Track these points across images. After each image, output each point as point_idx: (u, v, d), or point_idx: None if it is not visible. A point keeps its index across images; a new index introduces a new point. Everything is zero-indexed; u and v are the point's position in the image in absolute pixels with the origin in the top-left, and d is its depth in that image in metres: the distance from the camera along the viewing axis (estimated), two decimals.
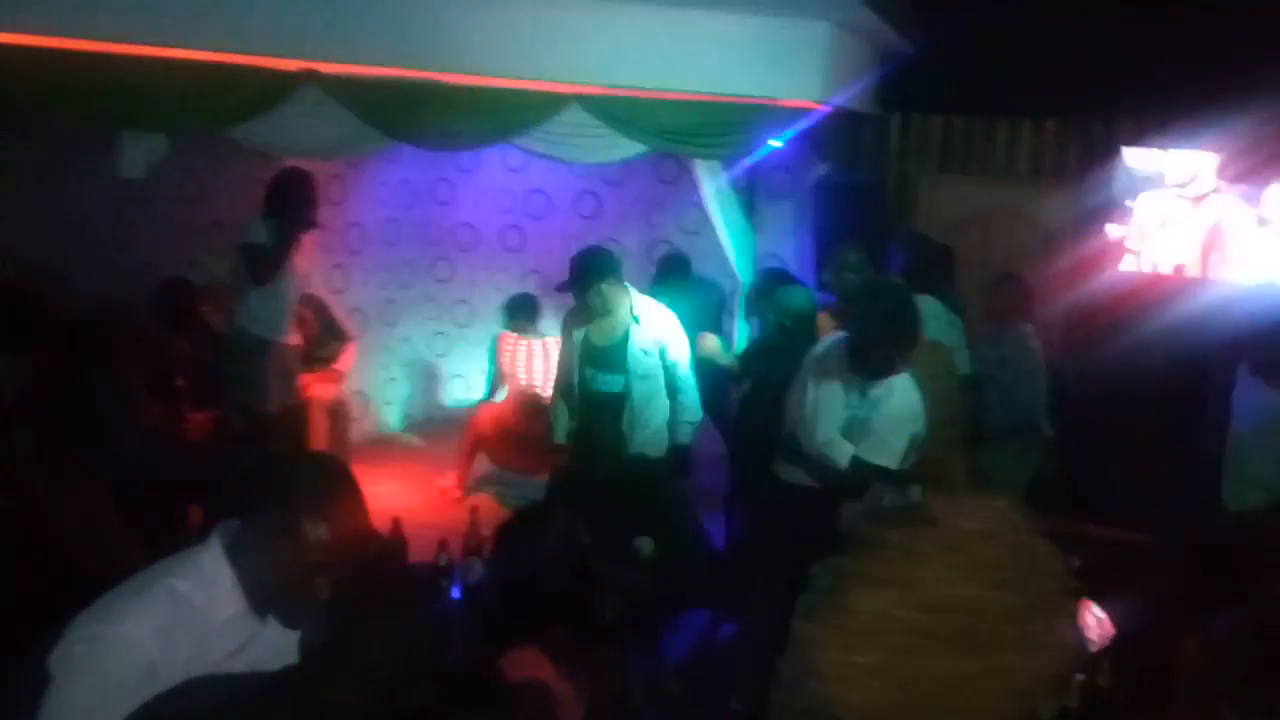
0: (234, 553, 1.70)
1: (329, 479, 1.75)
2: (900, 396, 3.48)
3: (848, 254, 4.84)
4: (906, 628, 0.92)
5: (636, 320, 4.22)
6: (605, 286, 4.16)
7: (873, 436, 3.47)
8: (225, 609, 1.68)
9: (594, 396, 4.30)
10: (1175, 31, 5.11)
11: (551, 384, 5.49)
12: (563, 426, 4.47)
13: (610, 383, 4.25)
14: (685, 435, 4.32)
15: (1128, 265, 5.55)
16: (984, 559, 0.94)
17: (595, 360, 4.28)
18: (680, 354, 4.25)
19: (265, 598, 1.71)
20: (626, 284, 4.34)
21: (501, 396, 5.67)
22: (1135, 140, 5.50)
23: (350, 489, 1.76)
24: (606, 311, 4.20)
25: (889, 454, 3.45)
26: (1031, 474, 4.66)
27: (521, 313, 5.52)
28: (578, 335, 4.34)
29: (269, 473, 1.83)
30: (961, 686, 0.91)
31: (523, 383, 5.55)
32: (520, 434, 5.53)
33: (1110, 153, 5.51)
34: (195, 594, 1.66)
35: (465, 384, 7.22)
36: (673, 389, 4.25)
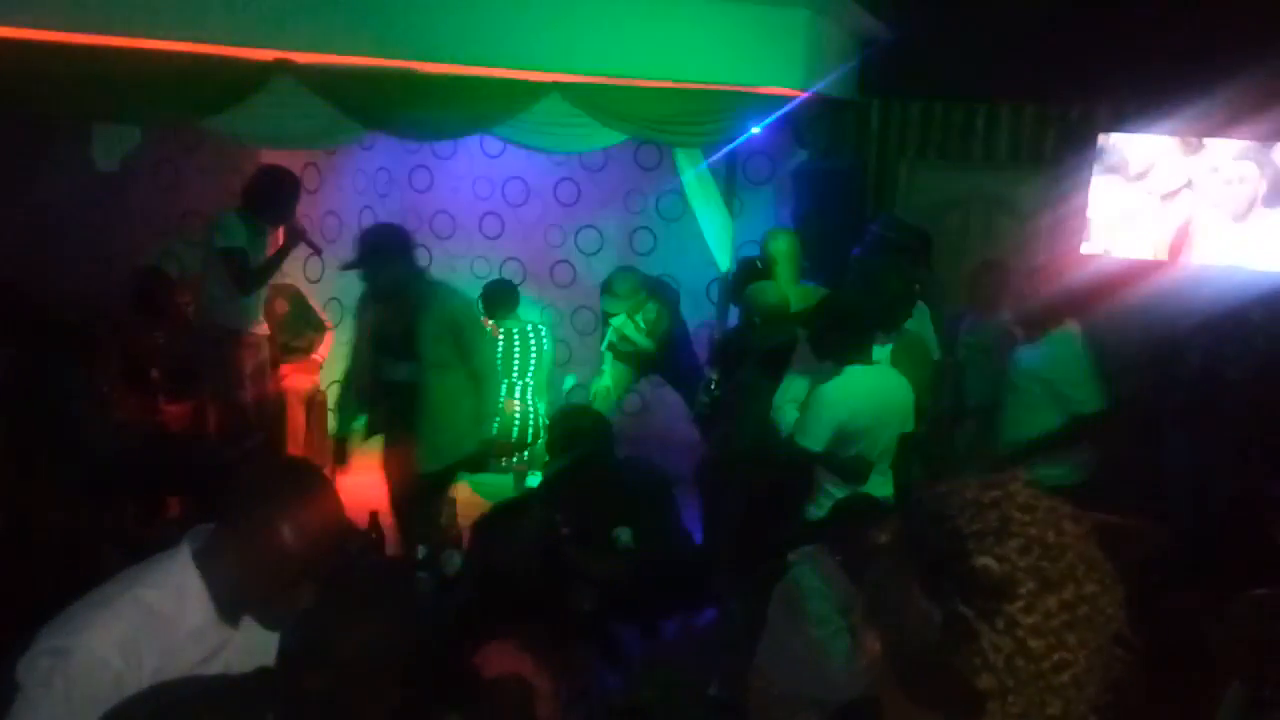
0: (202, 560, 1.67)
1: (302, 485, 1.71)
2: (838, 385, 3.55)
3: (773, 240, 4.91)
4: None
5: (429, 303, 3.90)
6: (394, 266, 3.87)
7: (800, 416, 3.62)
8: (194, 617, 1.65)
9: (384, 386, 4.05)
10: (1154, 16, 5.12)
11: (527, 373, 5.50)
12: (346, 418, 4.24)
13: (400, 371, 3.97)
14: (487, 431, 4.05)
15: (1098, 250, 5.57)
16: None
17: (385, 346, 4.01)
18: (476, 340, 3.98)
19: (235, 605, 1.68)
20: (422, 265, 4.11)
21: None
22: (1113, 125, 5.52)
23: (325, 494, 1.72)
24: (395, 293, 3.90)
25: (807, 436, 3.54)
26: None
27: (498, 299, 5.49)
28: (367, 319, 4.07)
29: (239, 479, 1.78)
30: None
31: (501, 369, 5.52)
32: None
33: (1088, 138, 5.53)
34: (162, 602, 1.63)
35: None
36: (473, 380, 3.95)
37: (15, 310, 4.58)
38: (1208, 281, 5.20)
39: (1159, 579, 3.59)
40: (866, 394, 3.58)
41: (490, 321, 5.51)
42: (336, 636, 1.53)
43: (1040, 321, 4.08)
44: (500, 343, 5.50)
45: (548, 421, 5.47)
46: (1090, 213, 5.57)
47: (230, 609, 1.68)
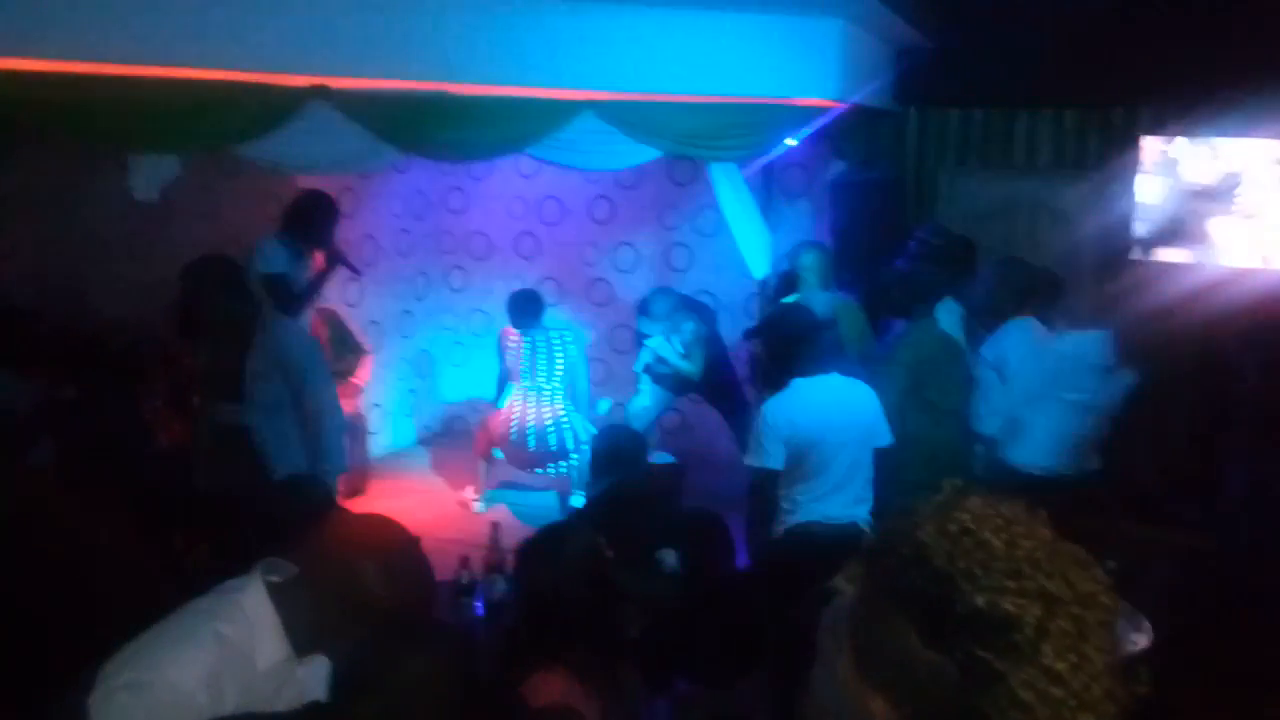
0: (281, 599, 1.63)
1: (389, 535, 1.71)
2: (778, 399, 3.59)
3: (801, 254, 4.88)
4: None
5: (261, 338, 3.60)
6: (218, 299, 3.63)
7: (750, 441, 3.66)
8: (270, 654, 1.61)
9: (214, 429, 3.77)
10: (1197, 17, 5.01)
11: (553, 378, 5.47)
12: None
13: (230, 414, 3.69)
14: (330, 477, 3.60)
15: (1149, 255, 5.44)
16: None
17: (215, 387, 3.76)
18: (310, 379, 3.60)
19: (312, 645, 1.64)
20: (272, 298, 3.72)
21: (509, 394, 5.61)
22: (1157, 129, 5.39)
23: (411, 544, 1.73)
24: (227, 329, 3.66)
25: (759, 456, 3.56)
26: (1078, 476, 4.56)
27: (524, 308, 5.46)
28: (202, 358, 3.81)
29: (333, 528, 1.77)
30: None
31: (525, 379, 5.48)
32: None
33: (1132, 141, 5.41)
34: (240, 639, 1.59)
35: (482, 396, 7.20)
36: (305, 423, 3.58)
37: (55, 338, 4.62)
38: (1254, 283, 5.07)
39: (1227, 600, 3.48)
40: (810, 405, 3.55)
41: (516, 330, 5.48)
42: (389, 668, 1.49)
43: (996, 310, 4.18)
44: (525, 350, 5.47)
45: (581, 434, 5.46)
46: (1136, 217, 5.45)
47: (306, 648, 1.64)
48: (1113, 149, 5.52)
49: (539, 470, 5.60)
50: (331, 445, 3.54)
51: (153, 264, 6.13)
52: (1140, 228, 5.45)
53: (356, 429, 5.78)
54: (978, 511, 0.94)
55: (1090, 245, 5.65)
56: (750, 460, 3.60)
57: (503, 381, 5.64)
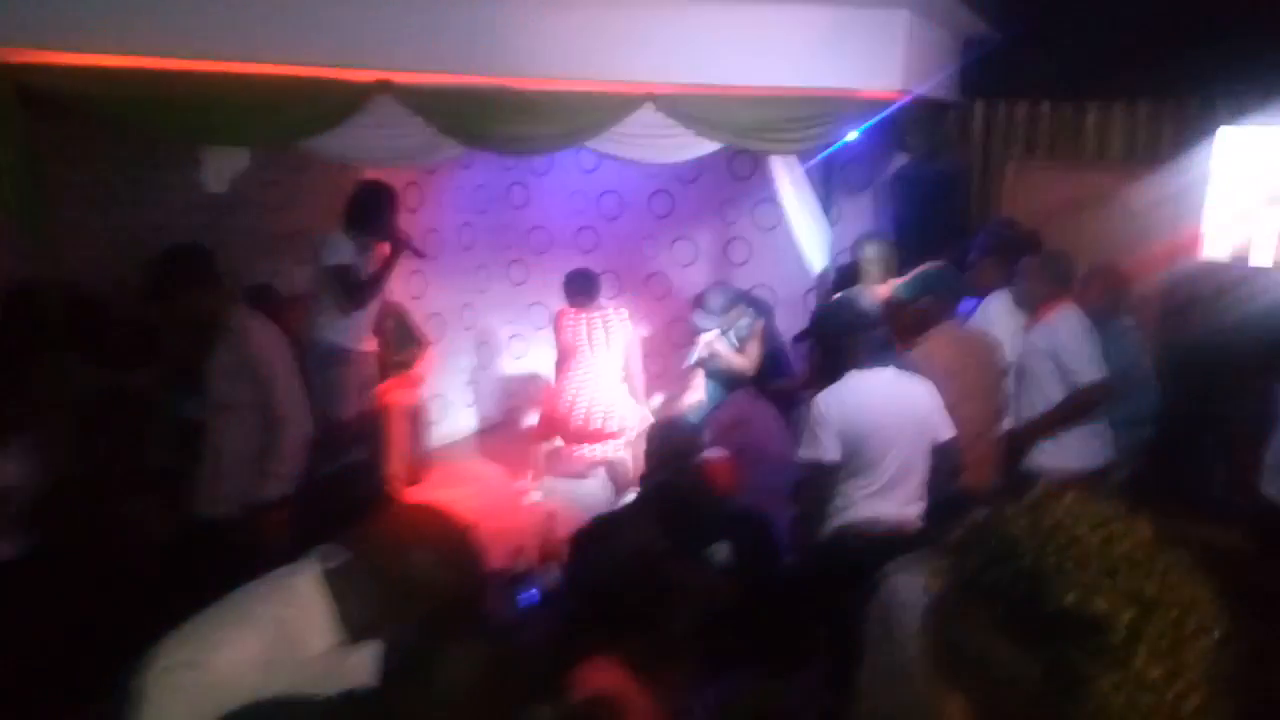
0: (335, 585, 1.66)
1: (447, 527, 1.72)
2: (831, 391, 3.56)
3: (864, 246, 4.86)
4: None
5: (230, 335, 3.46)
6: (193, 291, 3.48)
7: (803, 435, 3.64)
8: (321, 640, 1.63)
9: (174, 424, 3.69)
10: (1274, 4, 4.83)
11: (610, 359, 5.47)
12: None
13: (192, 409, 3.57)
14: (274, 489, 3.46)
15: (1221, 252, 5.27)
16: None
17: (178, 381, 3.66)
18: (281, 384, 3.45)
19: (365, 633, 1.66)
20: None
21: (566, 374, 5.63)
22: (1235, 120, 5.22)
23: (467, 537, 1.73)
24: (198, 322, 3.51)
25: (815, 449, 3.52)
26: (1128, 478, 4.46)
27: (582, 287, 5.50)
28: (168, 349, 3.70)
29: (388, 517, 1.79)
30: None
31: (585, 357, 5.50)
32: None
33: (1208, 132, 5.24)
34: (293, 623, 1.62)
35: (544, 385, 7.25)
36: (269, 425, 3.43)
37: (127, 329, 4.76)
38: None
39: None
40: (864, 397, 3.51)
41: (573, 309, 5.53)
42: (434, 656, 1.51)
43: (1043, 300, 4.15)
44: (582, 329, 5.51)
45: (631, 416, 5.47)
46: (1211, 212, 5.28)
47: (357, 636, 1.66)
48: (1188, 141, 5.36)
49: (592, 448, 5.64)
50: (289, 453, 3.43)
51: (221, 255, 6.28)
52: (1214, 223, 5.28)
53: (418, 418, 5.87)
54: (1072, 507, 0.91)
55: (1162, 240, 5.50)
56: (804, 453, 3.54)
57: (560, 362, 5.66)
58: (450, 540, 1.68)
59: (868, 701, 3.28)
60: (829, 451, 3.49)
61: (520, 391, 7.36)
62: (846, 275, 5.07)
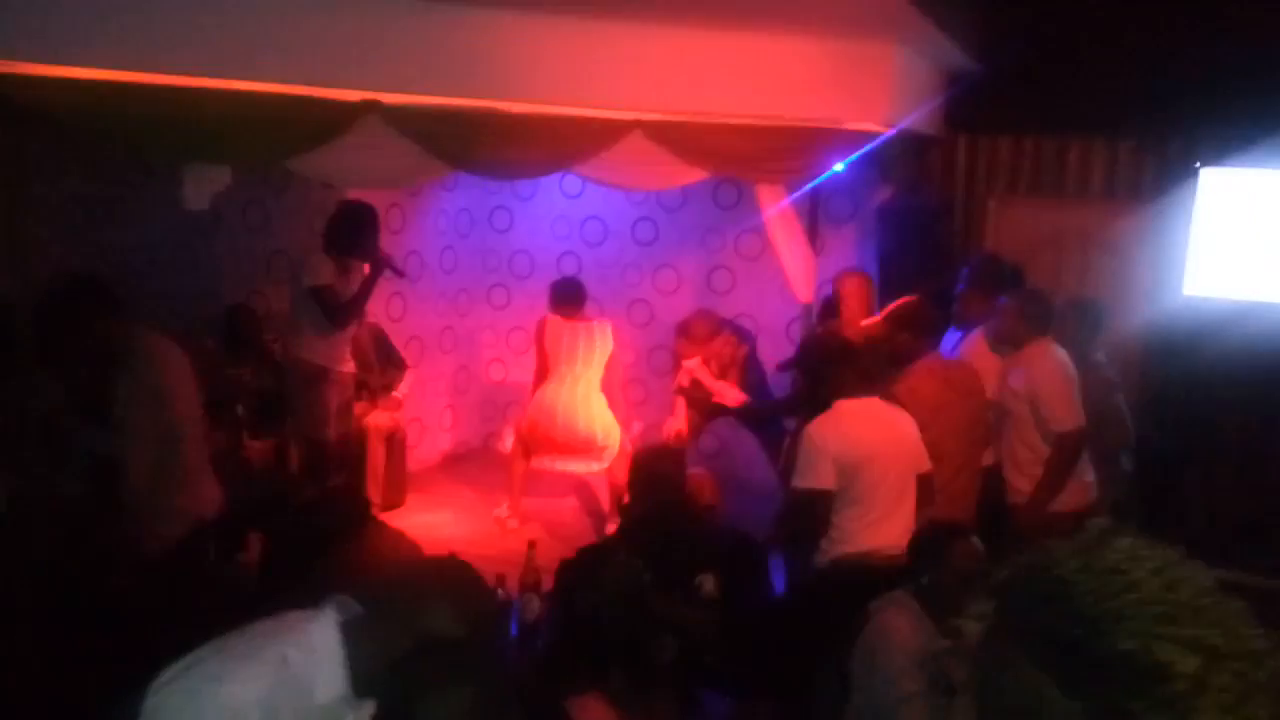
0: (350, 637, 1.61)
1: (462, 578, 1.69)
2: (826, 419, 3.57)
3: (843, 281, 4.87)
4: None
5: (133, 361, 3.37)
6: (96, 320, 3.36)
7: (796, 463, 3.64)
8: (328, 691, 1.57)
9: (83, 458, 3.50)
10: (1258, 47, 4.90)
11: (592, 368, 5.42)
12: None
13: (101, 441, 3.44)
14: (180, 521, 3.36)
15: (1206, 290, 5.31)
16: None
17: (80, 413, 3.49)
18: (184, 408, 3.37)
19: (369, 684, 1.61)
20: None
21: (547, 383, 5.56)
22: (1216, 160, 5.28)
23: (482, 588, 1.70)
24: (96, 351, 3.40)
25: (810, 477, 3.51)
26: (1108, 509, 4.45)
27: (566, 296, 5.43)
28: (66, 382, 3.50)
29: (404, 570, 1.76)
30: None
31: (567, 367, 5.43)
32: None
33: (1189, 171, 5.30)
34: (302, 666, 1.56)
35: (523, 411, 7.19)
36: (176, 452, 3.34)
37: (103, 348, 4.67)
38: None
39: None
40: (856, 426, 3.51)
41: (558, 318, 5.46)
42: (431, 697, 1.45)
43: (1021, 340, 4.06)
44: (566, 337, 5.42)
45: (613, 430, 5.42)
46: (1192, 250, 5.33)
47: (363, 689, 1.61)
48: (1169, 180, 5.42)
49: (570, 462, 5.58)
50: (191, 479, 3.38)
51: (199, 276, 6.21)
52: (1195, 261, 5.33)
53: (396, 441, 5.79)
54: (1130, 550, 0.87)
55: (1143, 278, 5.54)
56: (800, 482, 3.51)
57: (539, 372, 5.59)
58: (472, 596, 1.65)
59: None
60: (825, 479, 3.46)
61: (499, 416, 7.29)
62: (829, 308, 5.07)
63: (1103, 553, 0.86)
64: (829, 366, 3.68)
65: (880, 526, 3.48)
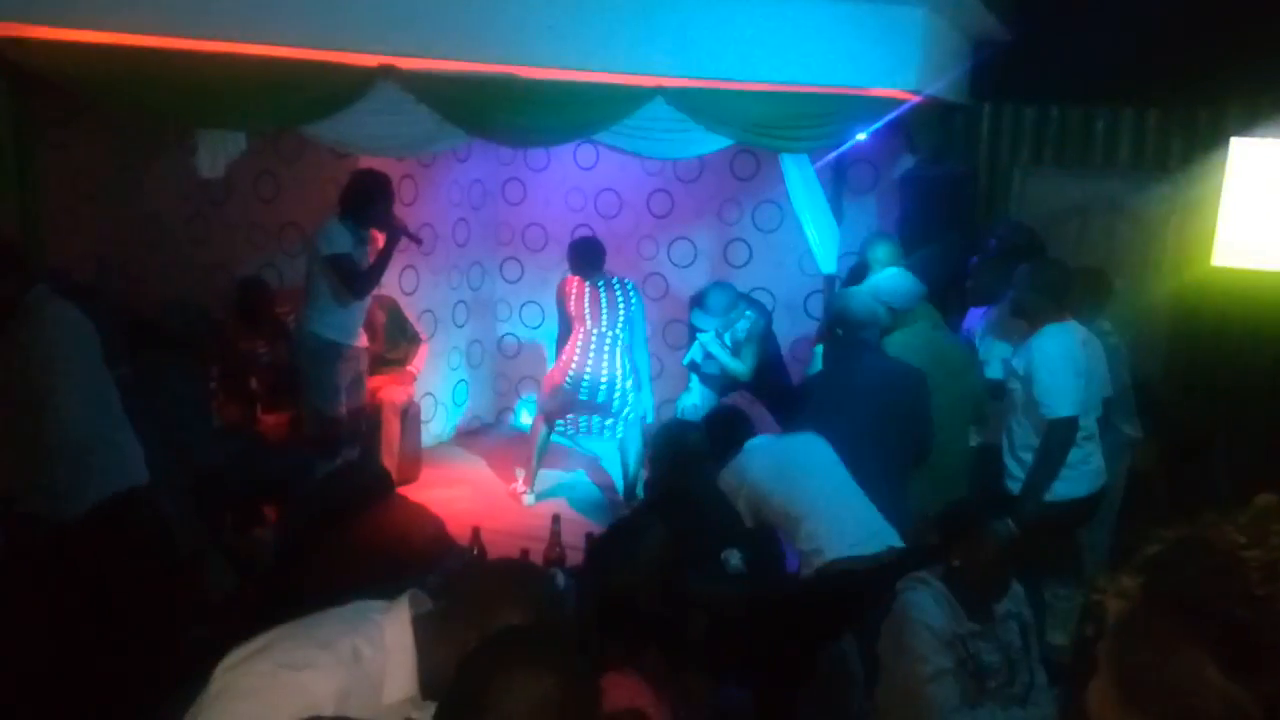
0: (422, 634, 1.55)
1: (542, 589, 1.68)
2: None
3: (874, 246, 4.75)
4: None
5: (29, 324, 3.19)
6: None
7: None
8: (397, 689, 1.52)
9: None
10: None
11: (616, 326, 5.33)
12: None
13: None
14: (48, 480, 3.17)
15: (1235, 260, 5.21)
16: None
17: None
18: (71, 379, 3.18)
19: (437, 687, 1.54)
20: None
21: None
22: (1246, 129, 5.17)
23: (556, 596, 1.74)
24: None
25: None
26: (1122, 478, 4.39)
27: (588, 255, 5.31)
28: None
29: (476, 572, 1.72)
30: None
31: (588, 327, 5.34)
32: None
33: (1219, 142, 5.19)
34: (375, 664, 1.51)
35: (536, 386, 7.13)
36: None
37: (119, 319, 4.61)
38: None
39: None
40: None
41: (578, 278, 5.35)
42: (497, 686, 1.38)
43: (1033, 313, 3.86)
44: (587, 297, 5.32)
45: (630, 395, 5.37)
46: (1222, 222, 5.22)
47: (434, 692, 1.54)
48: (1197, 150, 5.31)
49: (585, 425, 5.50)
50: (82, 450, 3.17)
51: (211, 246, 6.15)
52: (1224, 232, 5.23)
53: (410, 416, 5.73)
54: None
55: (1170, 250, 5.45)
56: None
57: (562, 334, 5.50)
58: (540, 594, 1.60)
59: (882, 716, 3.20)
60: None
61: (512, 391, 7.23)
62: (856, 276, 4.98)
63: (1273, 528, 0.79)
64: (860, 329, 3.69)
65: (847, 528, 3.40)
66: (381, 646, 1.51)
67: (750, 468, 3.50)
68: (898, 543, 3.44)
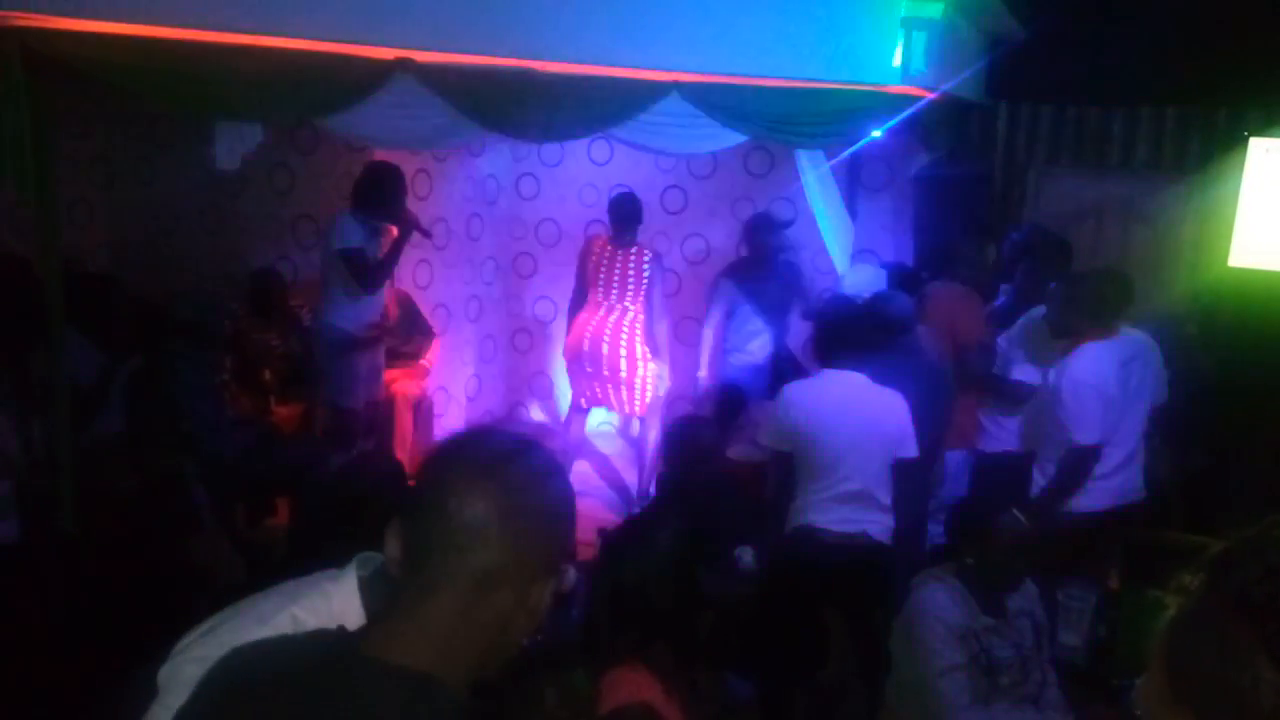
0: (372, 593, 1.52)
1: None
2: (791, 387, 3.69)
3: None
4: None
5: None
6: None
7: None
8: None
9: None
10: None
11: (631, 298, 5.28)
12: None
13: None
14: None
15: (1248, 262, 5.17)
16: None
17: None
18: None
19: None
20: None
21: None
22: (1264, 130, 5.13)
23: None
24: None
25: (763, 431, 3.72)
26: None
27: (630, 212, 5.22)
28: None
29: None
30: None
31: (602, 292, 5.33)
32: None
33: (1238, 142, 5.15)
34: (314, 627, 1.50)
35: (548, 381, 7.13)
36: None
37: (129, 306, 4.63)
38: None
39: None
40: (829, 398, 3.53)
41: (606, 239, 5.32)
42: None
43: (1068, 330, 3.81)
44: (610, 261, 5.29)
45: (643, 366, 5.36)
46: (1240, 223, 5.19)
47: None
48: (1215, 151, 5.28)
49: (597, 395, 5.49)
50: None
51: (225, 237, 6.17)
52: (1242, 232, 5.19)
53: (423, 410, 5.74)
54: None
55: (1187, 251, 5.42)
56: (761, 438, 3.63)
57: (576, 299, 5.51)
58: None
59: (892, 712, 3.20)
60: (779, 442, 3.53)
61: (524, 387, 7.23)
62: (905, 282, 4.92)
63: None
64: (831, 333, 3.68)
65: (840, 506, 3.45)
66: (328, 614, 1.49)
67: (809, 401, 3.55)
68: (879, 535, 3.49)
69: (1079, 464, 3.72)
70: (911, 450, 3.54)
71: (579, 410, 5.60)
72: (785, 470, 3.54)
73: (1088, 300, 3.80)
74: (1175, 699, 0.86)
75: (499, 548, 1.13)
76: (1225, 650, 0.82)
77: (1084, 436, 3.68)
